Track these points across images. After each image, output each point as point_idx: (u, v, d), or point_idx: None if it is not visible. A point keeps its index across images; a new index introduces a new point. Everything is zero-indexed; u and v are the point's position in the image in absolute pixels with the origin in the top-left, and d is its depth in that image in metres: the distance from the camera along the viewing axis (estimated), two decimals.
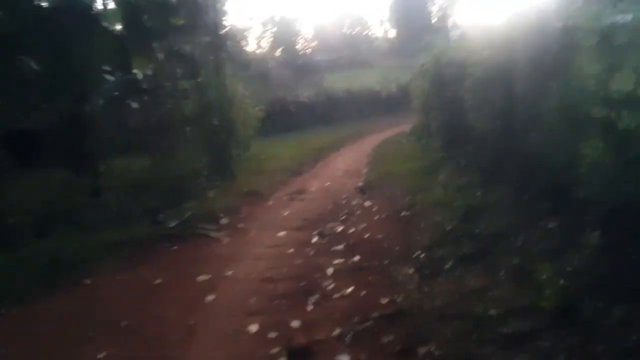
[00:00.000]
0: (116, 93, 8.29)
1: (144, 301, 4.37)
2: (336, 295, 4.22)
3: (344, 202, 8.06)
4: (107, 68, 7.99)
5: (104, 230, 6.10)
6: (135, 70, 8.51)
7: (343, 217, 7.04)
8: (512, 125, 6.29)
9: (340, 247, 5.68)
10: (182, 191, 7.67)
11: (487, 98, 6.72)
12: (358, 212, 7.28)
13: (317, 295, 4.24)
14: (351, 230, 6.30)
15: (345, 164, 12.02)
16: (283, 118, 19.04)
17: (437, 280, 4.15)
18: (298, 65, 30.87)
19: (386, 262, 4.91)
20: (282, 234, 6.34)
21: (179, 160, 8.58)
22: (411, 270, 4.54)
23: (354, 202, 7.91)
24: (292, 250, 5.65)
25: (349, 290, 4.29)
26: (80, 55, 7.18)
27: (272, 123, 15.99)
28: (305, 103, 21.46)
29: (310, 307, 4.05)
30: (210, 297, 4.37)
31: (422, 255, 4.80)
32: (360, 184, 9.32)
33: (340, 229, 6.47)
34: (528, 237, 4.29)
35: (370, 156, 12.77)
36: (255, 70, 22.74)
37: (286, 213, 7.42)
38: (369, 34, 47.41)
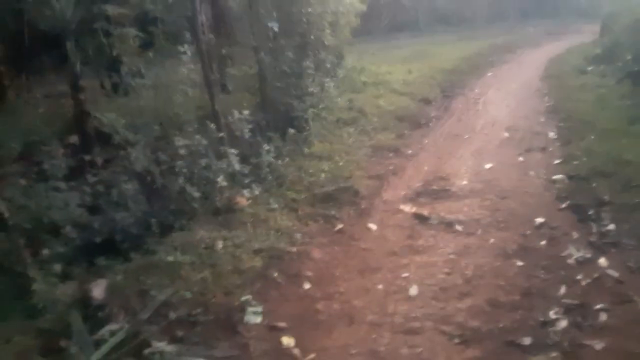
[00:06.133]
0: None
1: None
2: None
3: (542, 243, 3.41)
4: None
5: None
6: None
7: (563, 324, 2.54)
8: None
9: None
10: (183, 193, 3.39)
11: None
12: (601, 310, 2.64)
13: None
14: None
15: (506, 111, 6.79)
16: (390, 14, 13.68)
17: None
18: None
19: None
20: None
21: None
22: None
23: (570, 255, 3.22)
24: None
25: None
26: None
27: (375, 20, 11.17)
28: None
29: None
30: None
31: None
32: (559, 176, 4.46)
33: None
34: None
35: (544, 93, 7.45)
36: None
37: (413, 291, 2.91)
38: None
